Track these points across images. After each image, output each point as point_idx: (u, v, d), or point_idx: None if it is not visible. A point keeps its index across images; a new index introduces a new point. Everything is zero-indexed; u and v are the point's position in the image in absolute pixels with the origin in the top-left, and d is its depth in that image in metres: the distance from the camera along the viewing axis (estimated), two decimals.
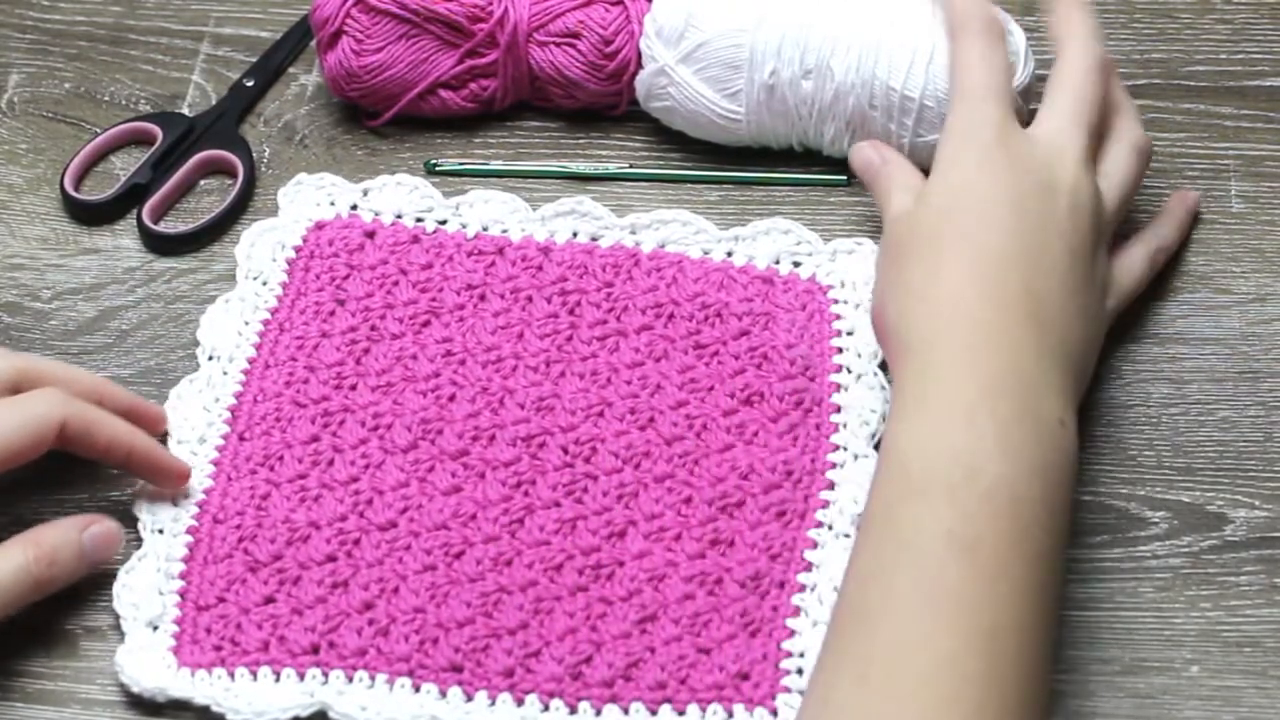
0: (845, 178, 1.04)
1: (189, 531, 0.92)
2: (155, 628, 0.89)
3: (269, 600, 0.90)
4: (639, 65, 1.04)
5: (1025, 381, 0.84)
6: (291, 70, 1.11)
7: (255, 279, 1.01)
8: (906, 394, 0.85)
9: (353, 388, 0.96)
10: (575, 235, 1.02)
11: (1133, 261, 0.96)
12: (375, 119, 1.07)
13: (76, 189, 1.05)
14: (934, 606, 0.79)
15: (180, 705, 0.88)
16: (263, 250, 1.01)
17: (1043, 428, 0.84)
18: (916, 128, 1.00)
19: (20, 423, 0.88)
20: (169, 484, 0.93)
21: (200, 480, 0.93)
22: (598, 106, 1.07)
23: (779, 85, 1.00)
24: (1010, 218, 0.88)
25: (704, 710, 0.87)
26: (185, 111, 1.09)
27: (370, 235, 1.02)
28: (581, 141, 1.07)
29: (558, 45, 1.05)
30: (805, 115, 1.01)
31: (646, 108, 1.05)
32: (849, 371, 0.96)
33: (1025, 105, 0.98)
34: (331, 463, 0.94)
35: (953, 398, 0.84)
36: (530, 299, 0.99)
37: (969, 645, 0.78)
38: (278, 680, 0.88)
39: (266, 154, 1.07)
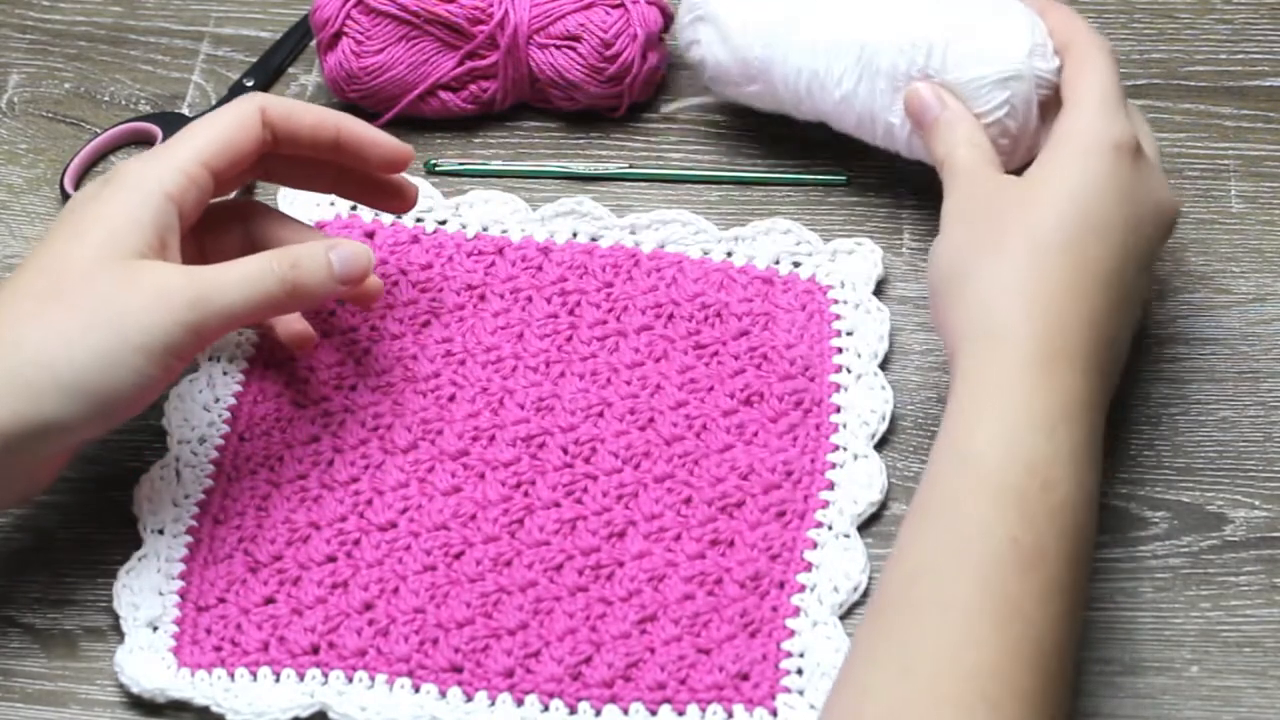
0: (844, 177, 1.04)
1: (189, 532, 0.92)
2: (155, 628, 0.89)
3: (269, 601, 0.90)
4: (640, 68, 1.04)
5: (1097, 406, 0.84)
6: (291, 70, 1.11)
7: None
8: (987, 388, 0.84)
9: (353, 388, 0.96)
10: (575, 235, 1.02)
11: None
12: (375, 120, 1.07)
13: (76, 189, 1.05)
14: (990, 612, 0.78)
15: (180, 706, 0.88)
16: None
17: (1098, 454, 0.84)
18: (943, 61, 0.95)
19: (220, 114, 0.90)
20: (388, 165, 0.94)
21: (200, 480, 0.93)
22: (598, 108, 1.07)
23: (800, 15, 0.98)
24: (1124, 241, 0.87)
25: (704, 710, 0.87)
26: (185, 111, 1.09)
27: (370, 235, 1.02)
28: (581, 142, 1.07)
29: (558, 48, 1.05)
30: (821, 50, 0.97)
31: (685, 51, 1.03)
32: (849, 371, 0.96)
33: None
34: (331, 463, 0.94)
35: (1039, 408, 0.82)
36: (530, 299, 0.99)
37: (1018, 658, 0.77)
38: (277, 681, 0.88)
39: None
